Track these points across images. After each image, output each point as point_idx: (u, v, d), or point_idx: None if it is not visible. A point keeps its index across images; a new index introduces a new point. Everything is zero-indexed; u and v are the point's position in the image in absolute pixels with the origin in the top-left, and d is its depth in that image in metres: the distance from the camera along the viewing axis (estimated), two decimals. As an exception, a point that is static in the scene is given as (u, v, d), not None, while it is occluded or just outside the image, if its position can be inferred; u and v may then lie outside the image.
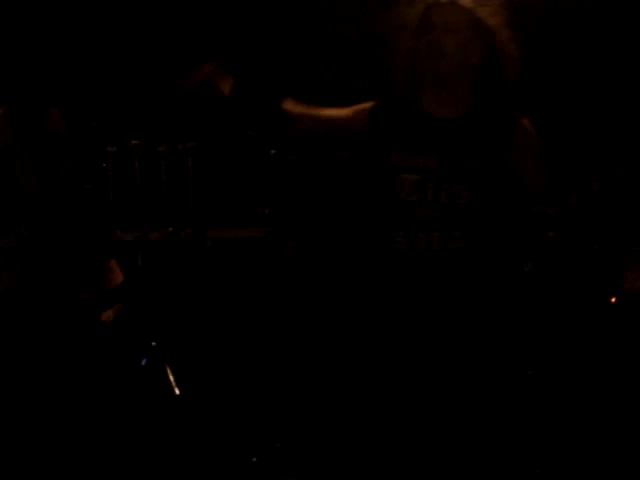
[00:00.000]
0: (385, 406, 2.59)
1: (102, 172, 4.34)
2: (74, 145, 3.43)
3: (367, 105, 2.68)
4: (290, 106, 2.70)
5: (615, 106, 4.61)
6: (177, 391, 3.95)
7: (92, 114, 4.50)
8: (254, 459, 3.84)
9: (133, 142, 4.33)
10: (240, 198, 4.54)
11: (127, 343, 3.78)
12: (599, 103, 4.63)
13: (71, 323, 3.17)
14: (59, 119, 3.30)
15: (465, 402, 2.52)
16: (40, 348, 3.13)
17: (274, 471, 3.83)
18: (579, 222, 2.58)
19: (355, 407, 3.53)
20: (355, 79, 2.71)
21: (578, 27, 4.60)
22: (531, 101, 2.64)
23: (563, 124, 4.39)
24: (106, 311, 3.27)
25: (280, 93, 2.73)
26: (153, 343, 4.11)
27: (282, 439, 3.96)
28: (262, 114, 2.74)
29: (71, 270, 3.25)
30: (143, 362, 4.04)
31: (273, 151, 4.43)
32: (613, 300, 3.26)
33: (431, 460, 2.52)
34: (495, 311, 2.57)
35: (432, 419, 2.53)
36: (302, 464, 3.85)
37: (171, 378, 4.00)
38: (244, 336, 4.32)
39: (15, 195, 3.29)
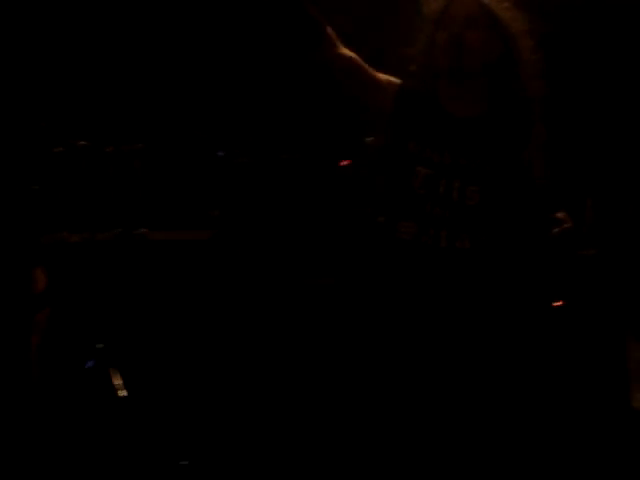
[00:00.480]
0: (386, 403, 2.58)
1: (49, 173, 4.31)
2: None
3: (395, 82, 2.66)
4: (337, 40, 2.61)
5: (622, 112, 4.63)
6: (123, 393, 3.93)
7: (38, 114, 4.45)
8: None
9: (81, 143, 4.31)
10: (188, 200, 4.52)
11: (66, 346, 3.77)
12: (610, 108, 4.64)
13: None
14: None
15: (466, 400, 2.52)
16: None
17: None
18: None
19: (353, 407, 3.53)
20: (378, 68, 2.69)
21: (593, 28, 4.62)
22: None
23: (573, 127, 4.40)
24: (37, 314, 3.23)
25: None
26: (99, 345, 4.09)
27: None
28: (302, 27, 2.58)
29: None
30: (88, 364, 4.02)
31: (221, 153, 4.43)
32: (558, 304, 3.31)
33: (438, 460, 2.52)
34: (497, 312, 2.56)
35: (436, 417, 2.52)
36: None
37: (117, 381, 3.98)
38: (194, 338, 4.31)
39: None
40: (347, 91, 2.67)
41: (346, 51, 2.62)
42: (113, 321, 4.21)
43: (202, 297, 4.28)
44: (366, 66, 2.63)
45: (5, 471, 3.16)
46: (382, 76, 2.65)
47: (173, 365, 4.19)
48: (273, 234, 4.42)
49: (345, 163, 3.47)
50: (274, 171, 4.54)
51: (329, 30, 2.59)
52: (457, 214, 2.51)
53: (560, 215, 2.55)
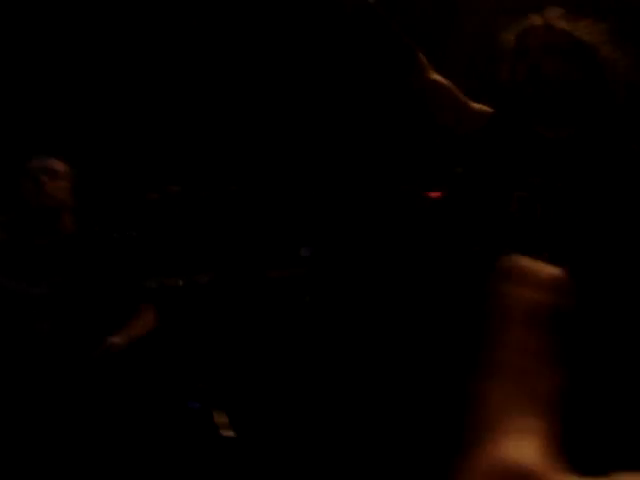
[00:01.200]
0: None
1: (144, 219, 4.41)
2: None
3: (487, 110, 2.65)
4: (431, 69, 2.60)
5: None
6: (230, 433, 3.96)
7: (134, 163, 4.57)
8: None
9: (174, 188, 4.41)
10: (281, 239, 4.58)
11: (170, 386, 3.80)
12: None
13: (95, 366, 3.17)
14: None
15: None
16: (76, 393, 3.16)
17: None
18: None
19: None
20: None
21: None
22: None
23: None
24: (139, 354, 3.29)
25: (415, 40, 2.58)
26: (200, 385, 4.14)
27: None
28: (393, 54, 2.58)
29: (102, 315, 3.28)
30: (193, 406, 4.06)
31: (315, 192, 4.49)
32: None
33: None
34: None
35: None
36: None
37: (222, 420, 4.01)
38: (291, 376, 4.33)
39: (47, 242, 3.33)
40: (440, 120, 2.65)
41: (439, 78, 2.61)
42: (213, 360, 4.27)
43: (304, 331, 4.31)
44: (459, 94, 2.62)
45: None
46: (475, 105, 2.64)
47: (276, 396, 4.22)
48: (370, 269, 4.45)
49: (435, 194, 3.48)
50: (367, 204, 4.56)
51: (421, 57, 2.59)
52: (556, 237, 2.48)
53: None
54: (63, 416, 3.12)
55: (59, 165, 3.37)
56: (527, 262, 1.06)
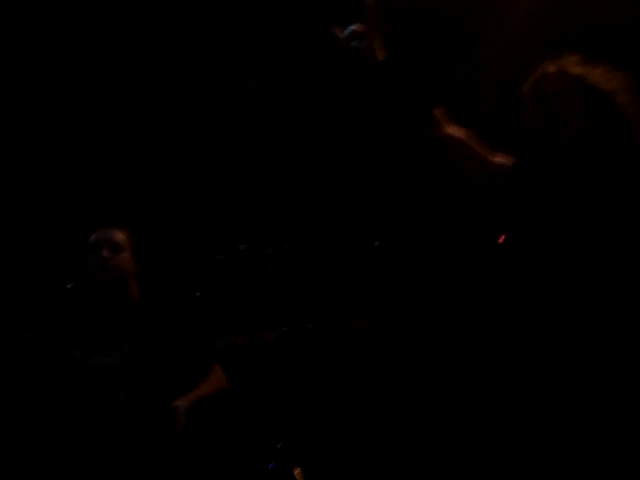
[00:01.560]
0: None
1: (212, 280, 4.42)
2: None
3: (509, 161, 2.65)
4: (447, 122, 2.63)
5: None
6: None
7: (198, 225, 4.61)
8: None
9: (241, 247, 4.41)
10: (350, 290, 4.55)
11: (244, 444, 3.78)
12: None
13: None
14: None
15: None
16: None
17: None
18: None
19: None
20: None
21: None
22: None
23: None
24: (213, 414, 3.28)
25: (431, 93, 2.64)
26: (279, 445, 4.10)
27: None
28: (408, 111, 2.62)
29: (173, 379, 3.28)
30: (270, 466, 4.03)
31: (377, 243, 4.45)
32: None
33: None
34: None
35: None
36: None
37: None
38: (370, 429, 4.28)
39: (116, 312, 3.36)
40: (459, 171, 2.66)
41: (456, 131, 2.62)
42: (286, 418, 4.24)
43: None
44: (480, 145, 2.62)
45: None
46: (497, 157, 2.64)
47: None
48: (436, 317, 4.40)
49: (502, 239, 3.41)
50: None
51: (438, 111, 2.61)
52: (586, 280, 2.44)
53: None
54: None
55: (120, 236, 3.42)
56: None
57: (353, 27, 2.59)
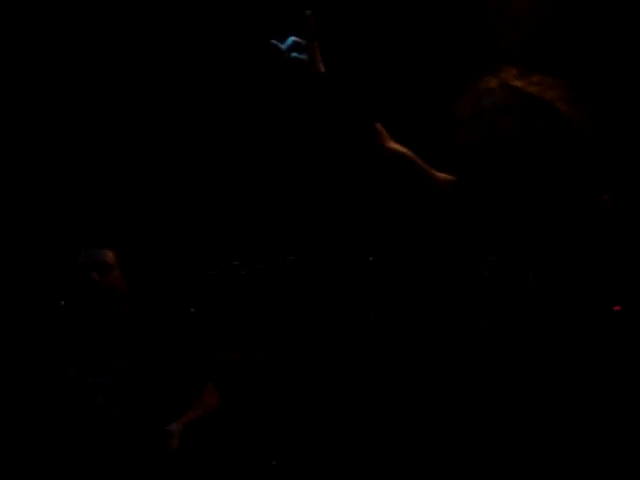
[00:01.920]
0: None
1: (206, 295, 4.40)
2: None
3: (451, 178, 2.61)
4: (386, 136, 2.56)
5: None
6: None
7: (192, 241, 4.60)
8: None
9: (234, 263, 4.40)
10: (345, 305, 4.54)
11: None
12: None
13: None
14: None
15: None
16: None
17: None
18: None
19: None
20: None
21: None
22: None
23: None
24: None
25: (372, 107, 2.56)
26: (273, 462, 4.09)
27: None
28: (349, 123, 2.54)
29: (167, 397, 3.26)
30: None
31: (371, 258, 4.45)
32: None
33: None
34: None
35: None
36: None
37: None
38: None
39: (107, 331, 3.34)
40: (400, 188, 2.59)
41: (397, 147, 2.56)
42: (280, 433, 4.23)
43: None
44: (421, 162, 2.57)
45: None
46: (440, 174, 2.59)
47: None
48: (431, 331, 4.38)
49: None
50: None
51: (378, 126, 2.55)
52: (529, 296, 2.40)
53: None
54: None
55: (108, 256, 3.38)
56: None
57: (293, 38, 2.50)
